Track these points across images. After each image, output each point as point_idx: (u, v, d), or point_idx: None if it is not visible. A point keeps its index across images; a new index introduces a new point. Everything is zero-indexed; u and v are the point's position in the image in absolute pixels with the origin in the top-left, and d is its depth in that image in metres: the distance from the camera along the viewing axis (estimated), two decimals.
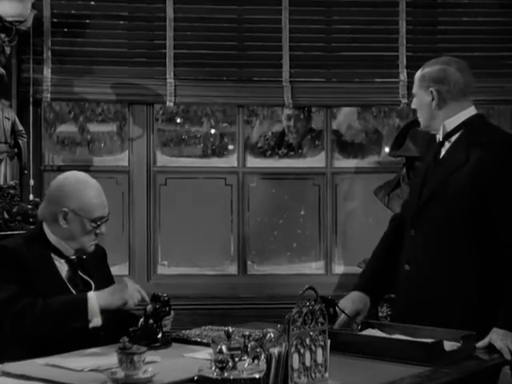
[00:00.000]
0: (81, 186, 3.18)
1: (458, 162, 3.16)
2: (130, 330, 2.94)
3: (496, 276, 3.06)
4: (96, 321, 2.92)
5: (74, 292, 3.10)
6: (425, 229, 3.22)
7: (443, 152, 3.26)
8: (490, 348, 2.94)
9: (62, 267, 3.12)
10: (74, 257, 3.16)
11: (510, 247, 3.02)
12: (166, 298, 3.06)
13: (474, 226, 3.09)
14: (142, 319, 3.00)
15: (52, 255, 3.11)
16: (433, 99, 3.20)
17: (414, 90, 3.30)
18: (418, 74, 3.28)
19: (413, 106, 3.36)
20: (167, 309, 3.04)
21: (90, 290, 3.11)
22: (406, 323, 3.12)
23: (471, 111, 3.23)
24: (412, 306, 3.25)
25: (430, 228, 3.21)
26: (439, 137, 3.28)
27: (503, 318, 2.97)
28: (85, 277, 3.17)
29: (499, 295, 3.02)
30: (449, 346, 2.80)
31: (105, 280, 3.20)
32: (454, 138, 3.23)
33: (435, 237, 3.19)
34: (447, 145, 3.25)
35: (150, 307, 3.01)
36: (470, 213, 3.09)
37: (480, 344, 2.95)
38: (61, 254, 3.13)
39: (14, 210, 4.70)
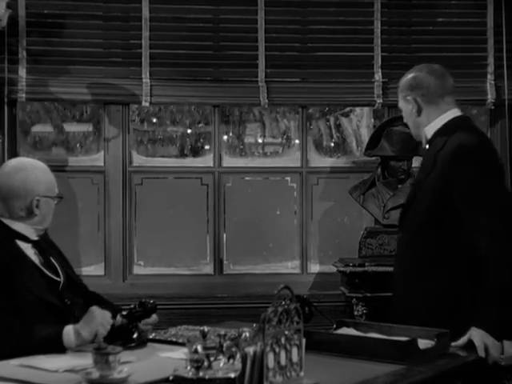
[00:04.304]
0: (39, 170, 3.20)
1: (428, 168, 3.25)
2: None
3: (467, 276, 3.14)
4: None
5: (50, 275, 3.11)
6: (405, 231, 3.35)
7: None
8: (469, 346, 2.98)
9: (30, 252, 3.12)
10: (37, 237, 3.17)
11: (481, 248, 3.07)
12: (153, 305, 3.06)
13: (443, 229, 3.17)
14: (116, 319, 3.00)
15: (17, 242, 3.11)
16: (412, 107, 3.29)
17: (399, 103, 3.40)
18: (399, 86, 3.38)
19: (404, 120, 3.42)
20: (143, 310, 3.03)
21: (57, 271, 3.13)
22: (391, 320, 3.19)
23: (453, 113, 3.29)
24: (395, 302, 3.39)
25: (407, 230, 3.33)
26: (423, 144, 3.35)
27: (482, 318, 3.02)
28: (52, 260, 3.19)
29: (473, 295, 3.08)
30: (423, 344, 2.83)
31: (61, 259, 3.26)
32: (432, 144, 3.29)
33: (410, 239, 3.30)
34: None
35: (123, 312, 3.01)
36: (439, 215, 3.17)
37: (460, 342, 2.99)
38: (25, 239, 3.13)
39: None
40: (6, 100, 5.26)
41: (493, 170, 3.19)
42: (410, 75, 3.36)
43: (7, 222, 3.14)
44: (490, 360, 2.99)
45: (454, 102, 3.31)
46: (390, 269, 4.78)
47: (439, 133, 3.27)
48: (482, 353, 2.97)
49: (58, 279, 3.15)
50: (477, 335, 2.98)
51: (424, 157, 3.39)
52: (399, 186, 5.16)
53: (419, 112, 3.29)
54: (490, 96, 5.51)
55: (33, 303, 2.98)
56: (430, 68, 3.33)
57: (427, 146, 3.34)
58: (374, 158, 5.34)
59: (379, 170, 5.21)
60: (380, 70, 5.51)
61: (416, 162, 5.23)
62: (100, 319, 2.90)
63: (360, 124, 6.05)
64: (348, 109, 6.08)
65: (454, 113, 3.29)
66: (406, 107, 3.34)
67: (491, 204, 3.10)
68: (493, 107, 5.57)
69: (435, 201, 3.18)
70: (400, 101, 3.39)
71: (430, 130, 3.30)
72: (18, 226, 3.13)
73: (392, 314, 3.37)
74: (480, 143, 3.22)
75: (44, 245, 3.22)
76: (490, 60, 5.57)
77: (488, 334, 2.98)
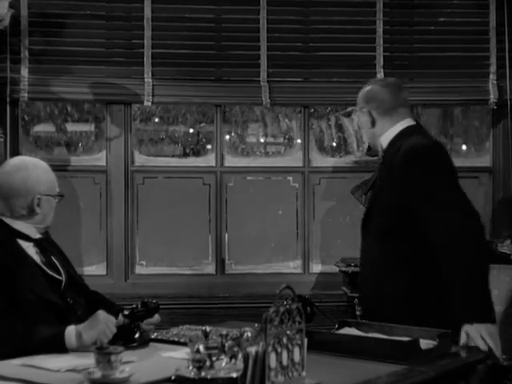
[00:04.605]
0: (39, 169, 3.20)
1: (386, 173, 3.42)
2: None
3: (429, 276, 3.23)
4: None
5: (52, 273, 3.11)
6: (367, 235, 3.47)
7: None
8: (469, 344, 3.00)
9: (31, 251, 3.12)
10: (38, 236, 3.17)
11: (437, 246, 3.15)
12: (155, 305, 3.06)
13: (403, 231, 3.28)
14: (118, 319, 3.00)
15: (18, 241, 3.11)
16: (367, 119, 3.46)
17: (357, 114, 3.59)
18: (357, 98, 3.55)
19: (361, 131, 3.61)
20: (145, 309, 3.02)
21: (58, 270, 3.13)
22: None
23: (406, 123, 3.43)
24: (362, 303, 3.59)
25: (369, 234, 3.45)
26: (380, 153, 3.51)
27: (465, 312, 3.08)
28: (53, 259, 3.19)
29: (437, 294, 3.20)
30: (425, 344, 2.82)
31: (63, 259, 3.26)
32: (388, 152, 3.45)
33: (372, 242, 3.42)
34: None
35: (125, 311, 3.01)
36: (399, 217, 3.29)
37: (461, 343, 3.01)
38: (26, 238, 3.13)
39: None
40: (8, 99, 5.27)
41: (446, 169, 3.29)
42: (366, 88, 3.52)
43: (8, 221, 3.14)
44: (496, 352, 3.01)
45: (407, 113, 3.46)
46: None
47: (393, 141, 3.41)
48: (484, 346, 3.00)
49: (59, 278, 3.15)
50: (471, 330, 3.03)
51: (382, 164, 3.52)
52: None
53: (373, 123, 3.45)
54: (493, 96, 5.51)
55: (34, 302, 2.98)
56: (385, 81, 3.57)
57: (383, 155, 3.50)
58: (375, 158, 5.31)
59: None
60: (382, 70, 5.51)
61: None
62: (103, 326, 2.87)
63: None
64: (350, 108, 6.07)
65: (408, 122, 3.43)
66: (362, 118, 3.52)
67: (448, 201, 3.18)
68: (495, 107, 5.57)
69: (394, 203, 3.29)
70: (357, 112, 3.56)
71: (384, 139, 3.45)
72: (19, 225, 3.14)
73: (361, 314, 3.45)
74: (431, 145, 3.36)
75: (45, 244, 3.22)
76: (493, 60, 5.57)
77: (480, 326, 3.02)
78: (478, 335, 3.01)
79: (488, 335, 3.01)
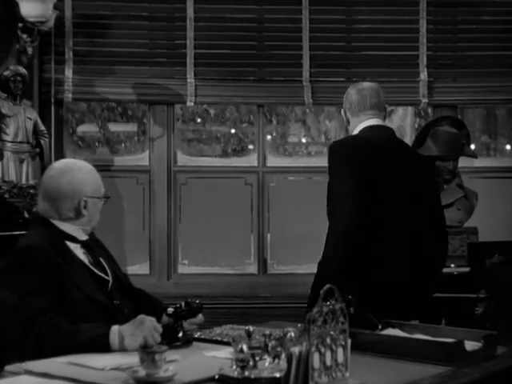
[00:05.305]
0: (85, 172, 3.21)
1: None
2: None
3: None
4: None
5: (99, 273, 3.12)
6: None
7: None
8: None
9: (78, 252, 3.15)
10: (85, 238, 3.19)
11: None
12: (198, 306, 3.06)
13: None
14: (162, 319, 3.01)
15: (66, 243, 3.13)
16: (344, 117, 3.83)
17: None
18: None
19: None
20: (188, 309, 3.03)
21: (105, 270, 3.15)
22: None
23: (369, 122, 3.73)
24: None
25: None
26: None
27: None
28: (100, 260, 3.20)
29: None
30: (470, 345, 2.80)
31: (109, 259, 3.27)
32: None
33: None
34: None
35: (170, 308, 3.01)
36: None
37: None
38: (74, 239, 3.16)
39: (34, 209, 4.72)
40: (52, 100, 5.32)
41: (339, 161, 3.61)
42: (347, 90, 3.81)
43: (56, 222, 3.16)
44: None
45: (376, 115, 3.73)
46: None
47: None
48: None
49: (107, 278, 3.17)
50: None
51: None
52: (445, 187, 5.11)
53: (348, 122, 3.78)
54: None
55: (81, 301, 2.99)
56: (359, 86, 3.78)
57: None
58: None
59: None
60: (425, 69, 5.48)
61: (462, 162, 5.19)
62: (147, 334, 2.83)
63: (404, 123, 6.02)
64: (389, 109, 6.05)
65: (369, 122, 3.70)
66: (343, 116, 3.86)
67: (331, 190, 3.58)
68: None
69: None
70: None
71: None
72: (66, 227, 3.16)
73: None
74: (343, 140, 3.84)
75: (92, 245, 3.24)
76: None
77: None
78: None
79: None
